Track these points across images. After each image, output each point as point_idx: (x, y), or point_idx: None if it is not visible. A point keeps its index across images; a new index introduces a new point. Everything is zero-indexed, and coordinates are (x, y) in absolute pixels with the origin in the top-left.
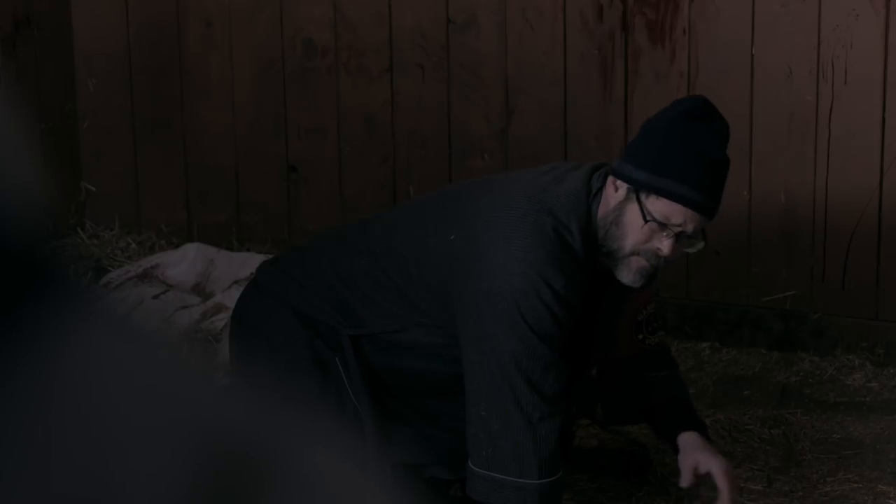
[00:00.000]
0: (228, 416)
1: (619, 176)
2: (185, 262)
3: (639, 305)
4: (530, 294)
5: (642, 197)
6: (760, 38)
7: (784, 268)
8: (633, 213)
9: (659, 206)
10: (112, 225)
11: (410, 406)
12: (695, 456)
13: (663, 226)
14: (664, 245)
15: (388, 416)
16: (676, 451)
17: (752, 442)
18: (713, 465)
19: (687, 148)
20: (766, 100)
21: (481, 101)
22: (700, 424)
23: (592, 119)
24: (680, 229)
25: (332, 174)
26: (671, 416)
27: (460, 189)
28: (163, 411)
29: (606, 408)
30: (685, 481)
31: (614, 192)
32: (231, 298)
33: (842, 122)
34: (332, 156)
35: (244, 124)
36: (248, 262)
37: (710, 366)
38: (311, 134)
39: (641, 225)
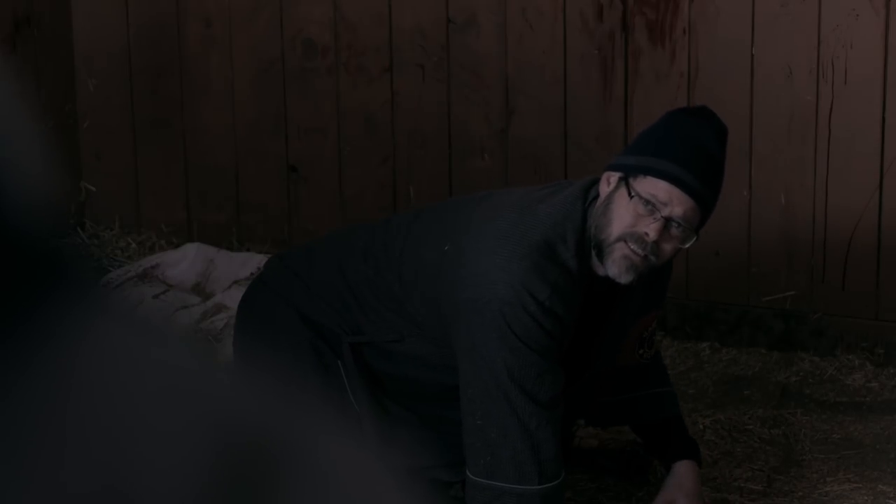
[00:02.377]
0: (243, 409)
1: (611, 168)
2: (185, 262)
3: (646, 327)
4: (515, 305)
5: (631, 180)
6: (760, 38)
7: (784, 268)
8: (620, 198)
9: (645, 184)
10: (112, 225)
11: (410, 410)
12: (675, 497)
13: (649, 206)
14: (651, 229)
15: (387, 419)
16: (667, 469)
17: (752, 442)
18: None
19: (679, 134)
20: (766, 100)
21: (481, 101)
22: (693, 446)
23: (592, 119)
24: (668, 212)
25: (332, 174)
26: (664, 436)
27: (461, 201)
28: (179, 404)
29: (595, 414)
30: None
31: (607, 186)
32: (231, 298)
33: (842, 122)
34: (332, 156)
35: (244, 124)
36: (248, 262)
37: (710, 366)
38: (311, 134)
39: (627, 206)
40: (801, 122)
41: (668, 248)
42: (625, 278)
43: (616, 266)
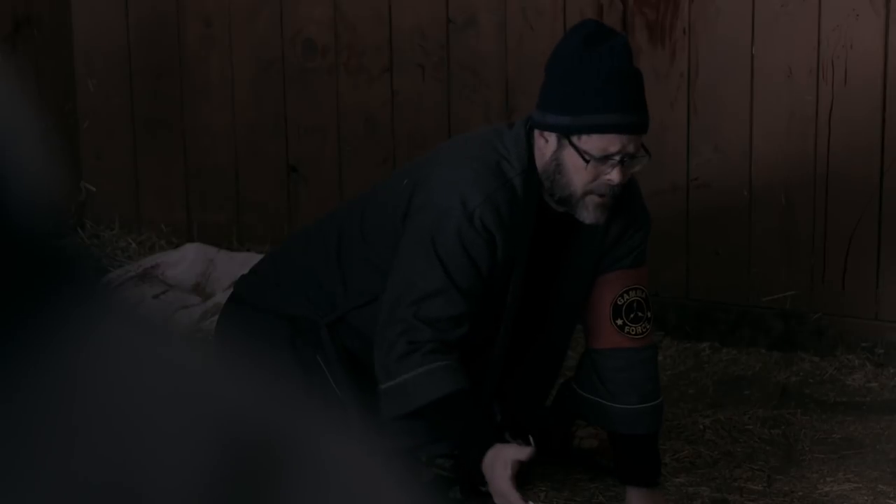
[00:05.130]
0: (246, 406)
1: (544, 127)
2: (185, 262)
3: (619, 288)
4: (446, 216)
5: (574, 140)
6: (760, 38)
7: (784, 268)
8: (571, 157)
9: (593, 142)
10: (112, 225)
11: None
12: None
13: (606, 158)
14: (614, 176)
15: (372, 405)
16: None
17: (752, 442)
18: None
19: (596, 77)
20: (766, 100)
21: (481, 101)
22: (653, 468)
23: None
24: (621, 155)
25: (332, 174)
26: (626, 453)
27: (413, 162)
28: (184, 402)
29: (579, 408)
30: None
31: (545, 143)
32: None
33: (842, 122)
34: (332, 156)
35: (244, 124)
36: (247, 262)
37: (710, 366)
38: (311, 134)
39: (584, 166)
40: (801, 122)
41: (625, 178)
42: (602, 220)
43: (592, 214)
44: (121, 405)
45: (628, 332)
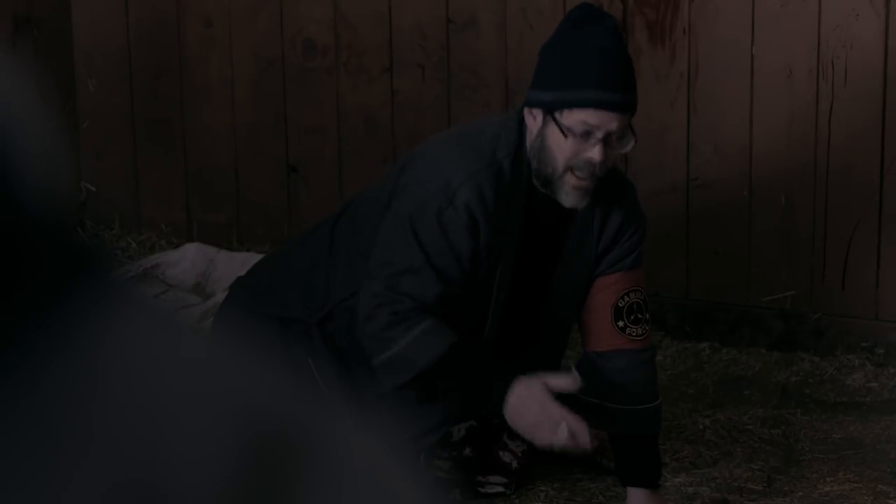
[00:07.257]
0: (264, 399)
1: (531, 104)
2: (185, 262)
3: (619, 290)
4: (425, 197)
5: (557, 116)
6: (760, 38)
7: (784, 268)
8: (553, 133)
9: (573, 117)
10: (112, 225)
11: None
12: None
13: (586, 134)
14: (594, 153)
15: (366, 404)
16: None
17: (752, 442)
18: None
19: (580, 54)
20: (766, 100)
21: (481, 101)
22: (654, 469)
23: None
24: (602, 133)
25: (332, 174)
26: (628, 454)
27: None
28: (203, 396)
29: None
30: None
31: (533, 120)
32: None
33: (842, 122)
34: (332, 156)
35: (244, 124)
36: (247, 262)
37: (710, 366)
38: (311, 134)
39: (565, 142)
40: (801, 122)
41: (609, 161)
42: (582, 204)
43: (570, 197)
44: (142, 400)
45: (629, 334)
